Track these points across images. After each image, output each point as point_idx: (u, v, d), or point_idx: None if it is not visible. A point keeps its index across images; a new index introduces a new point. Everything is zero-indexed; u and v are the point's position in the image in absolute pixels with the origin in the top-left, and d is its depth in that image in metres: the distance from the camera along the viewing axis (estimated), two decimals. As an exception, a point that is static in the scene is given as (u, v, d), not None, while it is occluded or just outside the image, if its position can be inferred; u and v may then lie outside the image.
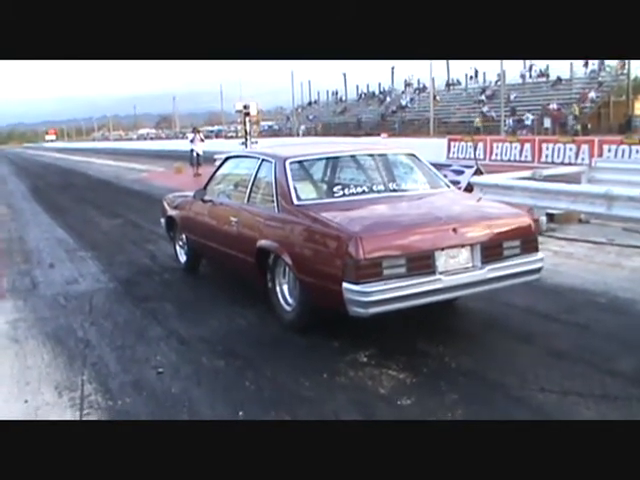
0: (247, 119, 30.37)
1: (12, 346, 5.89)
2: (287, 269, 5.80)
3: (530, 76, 50.36)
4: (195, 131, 28.08)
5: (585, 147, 21.82)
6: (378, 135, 45.37)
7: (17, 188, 24.87)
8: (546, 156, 23.32)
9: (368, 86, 68.14)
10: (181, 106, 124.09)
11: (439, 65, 56.75)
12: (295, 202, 5.82)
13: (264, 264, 6.08)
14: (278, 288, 6.01)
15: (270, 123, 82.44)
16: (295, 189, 5.92)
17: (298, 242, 5.56)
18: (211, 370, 5.10)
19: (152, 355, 5.47)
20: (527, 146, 24.41)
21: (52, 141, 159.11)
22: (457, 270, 5.16)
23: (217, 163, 7.82)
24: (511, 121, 42.85)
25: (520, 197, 10.49)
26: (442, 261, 5.10)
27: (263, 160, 6.53)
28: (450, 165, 15.07)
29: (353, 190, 6.03)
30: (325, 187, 6.43)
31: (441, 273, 5.07)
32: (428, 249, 5.05)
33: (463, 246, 5.21)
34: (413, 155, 6.77)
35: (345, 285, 4.87)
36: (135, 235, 11.59)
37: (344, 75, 71.40)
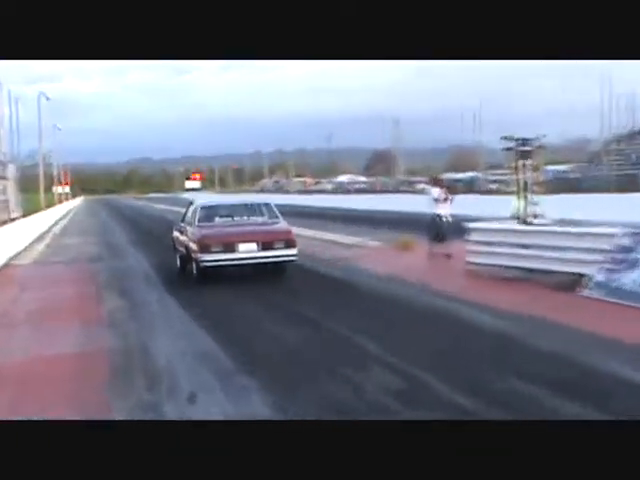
0: (522, 162, 14.87)
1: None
2: None
3: None
4: (435, 182, 17.05)
5: None
6: None
7: (139, 265, 17.49)
8: None
9: None
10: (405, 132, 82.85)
11: None
12: None
13: None
14: None
15: (563, 167, 53.61)
16: None
17: None
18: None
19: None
20: None
21: (195, 190, 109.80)
22: (248, 251, 12.75)
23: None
24: None
25: None
26: (241, 247, 12.64)
27: None
28: None
29: None
30: None
31: (239, 252, 12.64)
32: (234, 242, 12.70)
33: (252, 241, 12.68)
34: None
35: (197, 255, 12.82)
36: (331, 351, 7.85)
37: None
